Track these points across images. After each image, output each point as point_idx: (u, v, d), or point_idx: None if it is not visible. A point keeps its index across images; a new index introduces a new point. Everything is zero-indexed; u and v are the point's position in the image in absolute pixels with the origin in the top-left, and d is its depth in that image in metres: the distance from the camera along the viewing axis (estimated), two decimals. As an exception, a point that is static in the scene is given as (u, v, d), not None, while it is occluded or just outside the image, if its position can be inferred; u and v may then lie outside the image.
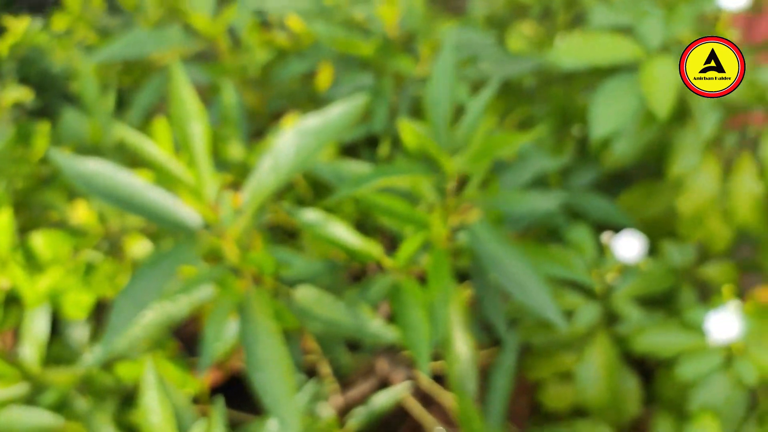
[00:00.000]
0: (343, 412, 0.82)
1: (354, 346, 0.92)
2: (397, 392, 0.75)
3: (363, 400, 0.80)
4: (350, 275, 0.92)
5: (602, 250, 0.76)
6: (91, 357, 0.63)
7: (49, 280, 0.67)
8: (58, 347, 0.71)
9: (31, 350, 0.67)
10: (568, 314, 0.78)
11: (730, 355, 0.70)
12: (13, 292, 0.69)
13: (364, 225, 0.79)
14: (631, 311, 0.75)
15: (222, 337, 0.64)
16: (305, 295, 0.62)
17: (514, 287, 0.58)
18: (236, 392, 0.80)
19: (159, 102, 0.98)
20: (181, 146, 0.55)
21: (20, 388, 0.66)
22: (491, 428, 0.67)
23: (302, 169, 0.55)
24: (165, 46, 0.86)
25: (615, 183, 0.93)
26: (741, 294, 0.81)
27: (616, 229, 0.75)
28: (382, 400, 0.74)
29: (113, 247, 0.69)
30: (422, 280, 0.66)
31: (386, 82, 0.76)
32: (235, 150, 0.72)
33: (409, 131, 0.61)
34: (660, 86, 0.65)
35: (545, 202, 0.65)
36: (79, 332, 0.73)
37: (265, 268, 0.59)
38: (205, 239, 0.56)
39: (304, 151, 0.54)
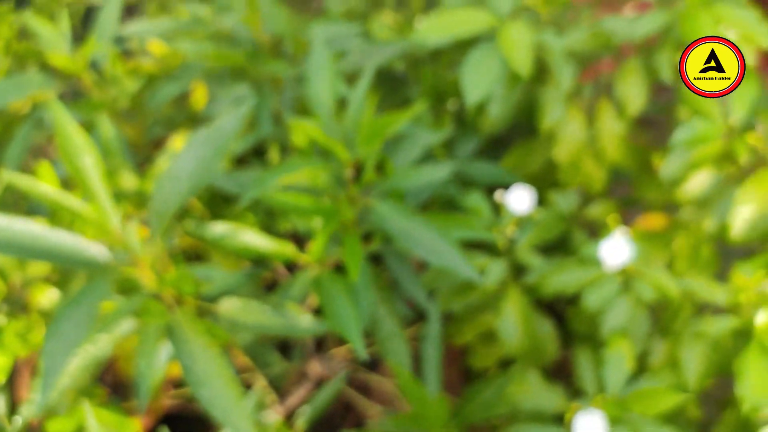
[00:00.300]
0: (286, 420, 0.82)
1: (284, 352, 0.92)
2: (335, 385, 0.76)
3: (303, 405, 0.81)
4: (263, 285, 0.93)
5: (498, 209, 0.81)
6: (25, 413, 0.60)
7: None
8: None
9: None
10: (480, 275, 0.83)
11: (627, 279, 0.77)
12: None
13: (270, 232, 0.79)
14: (534, 260, 0.80)
15: (155, 367, 0.63)
16: (230, 306, 0.63)
17: (428, 254, 0.61)
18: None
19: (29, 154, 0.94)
20: (75, 182, 0.54)
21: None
22: (430, 395, 0.70)
23: (203, 180, 0.55)
24: (26, 91, 0.83)
25: (497, 147, 0.99)
26: (625, 226, 0.89)
27: (506, 188, 0.81)
28: (323, 395, 0.76)
29: (17, 304, 0.66)
30: (340, 269, 0.68)
31: (264, 87, 0.78)
32: (127, 180, 0.71)
33: (299, 128, 0.63)
34: (517, 49, 0.70)
35: (437, 173, 0.68)
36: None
37: (185, 288, 0.59)
38: (118, 271, 0.55)
39: (202, 161, 0.54)
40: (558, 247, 0.88)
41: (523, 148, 0.93)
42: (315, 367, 0.91)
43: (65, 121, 0.53)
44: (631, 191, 0.99)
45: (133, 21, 0.91)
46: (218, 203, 0.89)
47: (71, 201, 0.53)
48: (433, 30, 0.72)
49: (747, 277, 0.71)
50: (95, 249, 0.55)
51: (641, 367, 0.81)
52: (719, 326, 0.72)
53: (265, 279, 0.91)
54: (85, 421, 0.65)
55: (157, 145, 0.98)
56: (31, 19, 0.84)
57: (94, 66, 0.89)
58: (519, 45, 0.70)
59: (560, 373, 0.95)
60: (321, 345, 0.97)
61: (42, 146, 1.00)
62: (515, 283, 0.83)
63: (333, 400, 0.78)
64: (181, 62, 0.89)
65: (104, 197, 0.54)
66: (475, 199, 0.82)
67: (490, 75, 0.72)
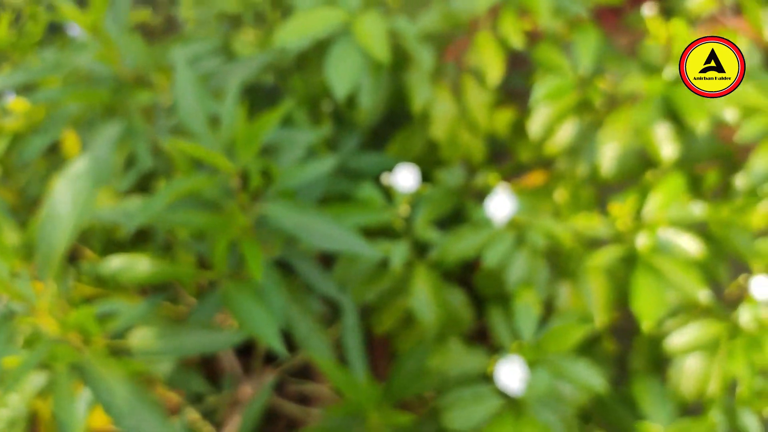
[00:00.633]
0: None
1: (215, 383, 0.91)
2: (263, 396, 0.76)
3: None
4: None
5: (389, 194, 0.84)
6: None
7: None
8: None
9: None
10: (384, 263, 0.86)
11: (519, 234, 0.81)
12: None
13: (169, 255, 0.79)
14: (432, 235, 0.84)
15: (76, 415, 0.61)
16: (142, 336, 0.62)
17: (326, 242, 0.63)
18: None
19: None
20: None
21: None
22: (360, 381, 0.72)
23: (85, 214, 0.55)
24: None
25: (382, 137, 1.02)
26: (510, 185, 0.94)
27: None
28: (252, 408, 0.76)
29: None
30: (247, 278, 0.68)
31: (135, 121, 0.77)
32: (10, 236, 0.69)
33: (177, 147, 0.63)
34: (373, 38, 0.74)
35: (322, 167, 0.71)
36: None
37: (89, 328, 0.58)
38: (15, 323, 0.54)
39: (81, 195, 0.54)
40: (454, 220, 0.92)
41: (404, 133, 0.97)
42: (246, 391, 0.91)
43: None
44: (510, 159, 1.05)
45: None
46: (114, 245, 0.88)
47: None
48: (291, 34, 0.74)
49: (620, 207, 0.77)
50: (-14, 305, 0.54)
51: (551, 312, 0.86)
52: (607, 257, 0.77)
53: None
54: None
55: (37, 203, 0.95)
56: None
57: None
58: (374, 34, 0.74)
59: (484, 338, 0.99)
60: (249, 368, 0.97)
61: None
62: (421, 262, 0.86)
63: (264, 414, 0.78)
64: (45, 114, 0.87)
65: (-15, 250, 0.53)
66: (366, 189, 0.84)
67: (353, 67, 0.75)
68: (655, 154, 0.82)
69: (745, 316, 0.79)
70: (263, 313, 0.63)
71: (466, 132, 0.93)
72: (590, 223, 0.79)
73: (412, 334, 0.93)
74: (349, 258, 0.84)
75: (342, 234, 0.64)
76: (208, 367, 1.05)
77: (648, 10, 0.81)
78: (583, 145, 0.88)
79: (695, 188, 0.95)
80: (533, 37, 0.94)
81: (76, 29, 0.98)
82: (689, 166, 0.96)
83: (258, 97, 0.96)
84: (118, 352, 0.63)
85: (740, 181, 0.85)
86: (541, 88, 0.83)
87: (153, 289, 0.91)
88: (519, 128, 0.96)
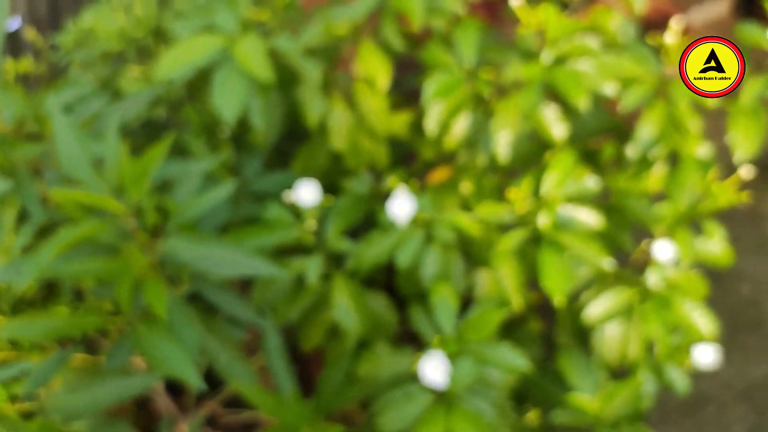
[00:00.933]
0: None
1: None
2: (195, 429, 0.75)
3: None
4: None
5: (297, 212, 0.84)
6: None
7: None
8: None
9: None
10: (301, 280, 0.86)
11: (428, 231, 0.83)
12: None
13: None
14: (344, 245, 0.84)
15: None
16: (56, 393, 0.60)
17: (229, 268, 0.63)
18: None
19: None
20: None
21: None
22: (287, 401, 0.72)
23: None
24: None
25: (286, 156, 1.02)
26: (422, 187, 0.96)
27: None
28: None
29: None
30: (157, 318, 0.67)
31: (21, 175, 0.75)
32: None
33: (62, 195, 0.62)
34: (254, 59, 0.74)
35: (220, 193, 0.70)
36: None
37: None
38: None
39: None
40: (368, 226, 0.93)
41: (307, 148, 0.97)
42: (182, 429, 0.89)
43: None
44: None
45: None
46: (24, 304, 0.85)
47: None
48: (171, 65, 0.74)
49: (517, 191, 0.80)
50: None
51: (472, 302, 0.87)
52: (514, 240, 0.79)
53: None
54: None
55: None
56: None
57: None
58: (254, 56, 0.74)
59: (415, 339, 1.00)
60: (184, 406, 0.95)
61: None
62: (338, 273, 0.87)
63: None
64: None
65: None
66: (273, 209, 0.84)
67: (238, 91, 0.75)
68: (547, 136, 0.85)
69: (652, 278, 0.83)
70: (176, 351, 0.62)
71: (366, 139, 0.94)
72: (494, 211, 0.82)
73: (341, 345, 0.93)
74: (265, 280, 0.84)
75: (244, 258, 0.63)
76: (145, 409, 1.03)
77: (515, 1, 0.84)
78: (479, 136, 0.90)
79: (593, 162, 0.99)
80: (423, 37, 0.96)
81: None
82: (583, 142, 1.00)
83: (152, 133, 0.95)
84: (32, 414, 0.61)
85: (631, 150, 0.89)
86: (431, 86, 0.85)
87: (73, 342, 0.89)
88: (418, 128, 0.98)
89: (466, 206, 0.91)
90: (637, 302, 0.84)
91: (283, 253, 0.86)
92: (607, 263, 0.78)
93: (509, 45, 0.89)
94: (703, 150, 0.88)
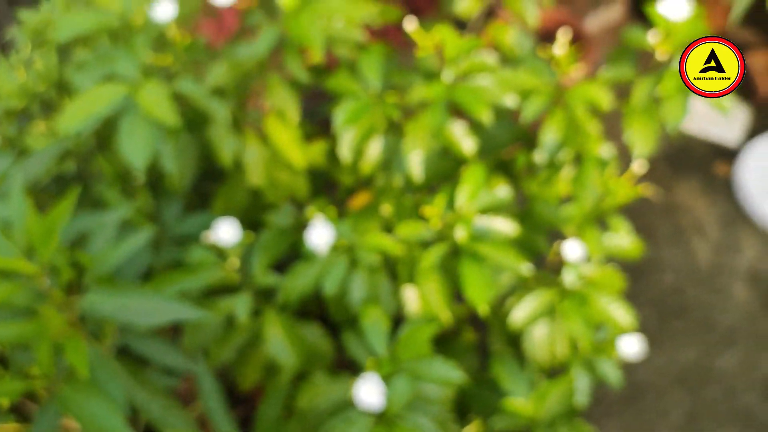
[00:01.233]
0: None
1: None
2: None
3: None
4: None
5: (219, 251, 0.84)
6: None
7: None
8: None
9: None
10: (231, 319, 0.86)
11: (352, 256, 0.84)
12: None
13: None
14: (270, 279, 0.85)
15: None
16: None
17: (150, 316, 0.62)
18: None
19: None
20: None
21: None
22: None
23: None
24: None
25: (207, 195, 1.02)
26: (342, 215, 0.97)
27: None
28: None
29: None
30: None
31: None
32: None
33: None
34: (158, 105, 0.74)
35: (136, 242, 0.70)
36: None
37: None
38: None
39: None
40: (297, 258, 0.94)
41: (225, 187, 0.97)
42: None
43: None
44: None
45: None
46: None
47: None
48: (74, 117, 0.73)
49: (430, 208, 0.82)
50: None
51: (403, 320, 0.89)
52: (435, 256, 0.81)
53: None
54: None
55: None
56: None
57: None
58: (158, 102, 0.74)
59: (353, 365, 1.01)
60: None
61: None
62: (269, 308, 0.87)
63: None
64: None
65: None
66: (195, 253, 0.84)
67: (145, 137, 0.75)
68: (458, 151, 0.88)
69: (568, 278, 0.87)
70: (103, 407, 0.61)
71: (283, 172, 0.95)
72: (413, 229, 0.83)
73: (279, 379, 0.93)
74: (195, 324, 0.83)
75: (165, 304, 0.63)
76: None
77: (409, 25, 0.87)
78: (393, 158, 0.92)
79: (508, 172, 1.03)
80: (334, 66, 0.98)
81: None
82: (496, 154, 1.04)
83: (65, 188, 0.93)
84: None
85: (538, 156, 0.93)
86: (341, 114, 0.87)
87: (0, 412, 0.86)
88: (334, 156, 1.00)
89: (389, 228, 0.93)
90: (558, 302, 0.87)
91: (212, 293, 0.86)
92: (526, 268, 0.81)
93: (413, 67, 0.92)
94: (604, 150, 0.93)
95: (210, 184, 1.04)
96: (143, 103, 0.74)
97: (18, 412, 0.83)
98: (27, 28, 0.91)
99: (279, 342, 0.84)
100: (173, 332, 0.93)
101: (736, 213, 1.71)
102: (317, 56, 0.79)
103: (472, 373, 0.97)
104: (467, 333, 1.02)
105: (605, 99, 0.87)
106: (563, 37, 0.87)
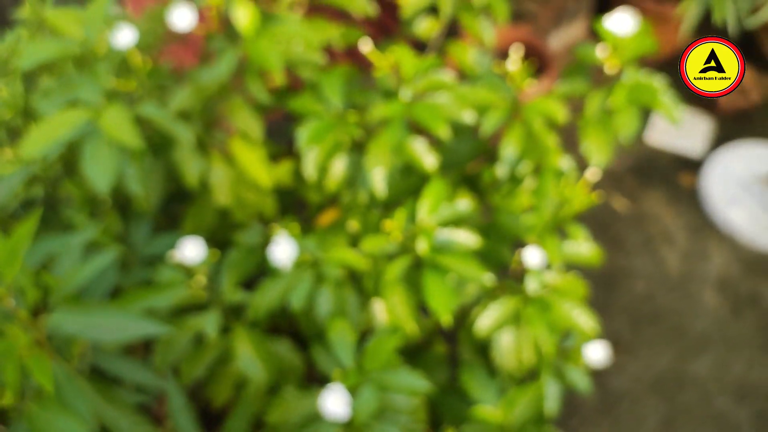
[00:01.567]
0: None
1: None
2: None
3: None
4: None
5: (188, 270, 0.85)
6: None
7: None
8: None
9: None
10: (200, 337, 0.87)
11: (318, 271, 0.86)
12: None
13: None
14: (239, 295, 0.86)
15: None
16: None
17: (115, 334, 0.63)
18: None
19: None
20: None
21: None
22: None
23: None
24: None
25: (176, 216, 1.03)
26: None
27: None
28: None
29: None
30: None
31: None
32: None
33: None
34: (121, 128, 0.76)
35: (102, 262, 0.71)
36: None
37: None
38: None
39: None
40: (264, 275, 0.95)
41: (194, 208, 0.99)
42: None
43: None
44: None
45: None
46: None
47: None
48: (36, 143, 0.75)
49: (391, 222, 0.84)
50: None
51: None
52: (398, 269, 0.83)
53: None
54: None
55: None
56: None
57: None
58: (121, 125, 0.76)
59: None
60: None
61: None
62: (239, 324, 0.88)
63: None
64: None
65: None
66: (164, 272, 0.85)
67: (109, 161, 0.76)
68: (420, 167, 0.91)
69: (531, 285, 0.89)
70: (69, 424, 0.62)
71: (250, 191, 0.97)
72: (377, 243, 0.85)
73: (247, 394, 0.94)
74: (165, 341, 0.84)
75: (130, 322, 0.64)
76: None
77: (365, 47, 0.89)
78: (357, 175, 0.94)
79: (473, 186, 1.05)
80: (299, 87, 1.00)
81: None
82: (461, 168, 1.06)
83: (32, 212, 0.94)
84: None
85: (499, 170, 0.95)
86: (304, 134, 0.89)
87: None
88: (300, 175, 1.02)
89: (356, 243, 0.94)
90: (522, 309, 0.89)
91: (183, 312, 0.87)
92: (488, 278, 0.83)
93: (373, 87, 0.95)
94: (564, 162, 0.96)
95: (179, 205, 1.05)
96: (106, 127, 0.76)
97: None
98: (-7, 57, 0.93)
99: (249, 358, 0.86)
100: (145, 351, 0.93)
101: (702, 222, 1.75)
102: (278, 79, 0.81)
103: (444, 383, 0.99)
104: (438, 345, 1.04)
105: (561, 112, 0.90)
106: (515, 53, 0.90)
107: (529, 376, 0.95)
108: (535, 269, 0.87)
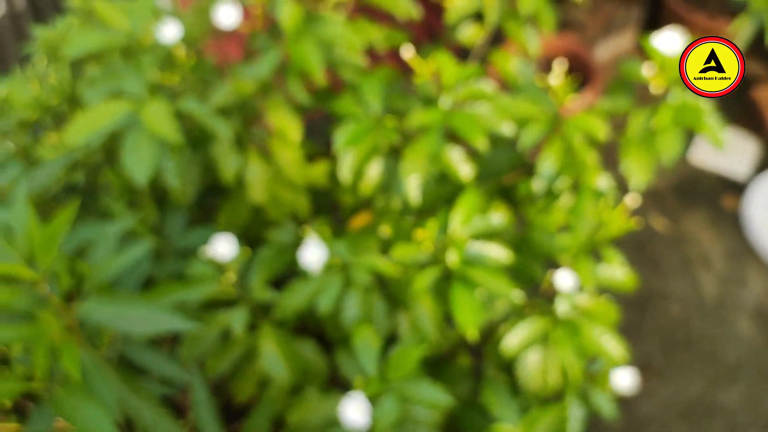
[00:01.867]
0: None
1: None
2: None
3: None
4: None
5: (219, 267, 0.86)
6: None
7: None
8: None
9: None
10: (227, 333, 0.87)
11: (347, 275, 0.85)
12: None
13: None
14: (267, 294, 0.86)
15: None
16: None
17: (144, 326, 0.64)
18: None
19: None
20: None
21: None
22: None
23: None
24: None
25: (211, 210, 1.04)
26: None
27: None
28: None
29: None
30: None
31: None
32: None
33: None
34: (161, 122, 0.77)
35: (137, 252, 0.72)
36: None
37: None
38: None
39: None
40: (294, 275, 0.95)
41: (229, 203, 1.00)
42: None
43: None
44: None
45: None
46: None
47: None
48: (80, 131, 0.76)
49: (423, 231, 0.83)
50: None
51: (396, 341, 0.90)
52: (428, 279, 0.83)
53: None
54: None
55: None
56: None
57: None
58: (162, 119, 0.77)
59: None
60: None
61: None
62: (266, 323, 0.88)
63: None
64: None
65: None
66: (196, 265, 0.86)
67: (149, 153, 0.77)
68: (455, 176, 0.90)
69: (561, 307, 0.87)
70: (94, 411, 0.62)
71: (286, 190, 0.97)
72: (408, 251, 0.85)
73: (270, 393, 0.94)
74: (192, 335, 0.85)
75: (159, 315, 0.65)
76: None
77: (406, 53, 0.89)
78: (392, 181, 0.94)
79: (509, 198, 1.04)
80: (340, 88, 1.00)
81: None
82: (497, 180, 1.05)
83: (73, 198, 0.96)
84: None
85: (536, 184, 0.94)
86: (341, 136, 0.89)
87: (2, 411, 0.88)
88: (335, 176, 1.02)
89: (387, 249, 0.94)
90: (551, 330, 0.88)
91: (212, 307, 0.87)
92: (517, 295, 0.82)
93: (413, 93, 0.94)
94: (602, 181, 0.94)
95: (215, 200, 1.06)
96: (147, 121, 0.77)
97: (20, 412, 0.85)
98: (42, 43, 0.95)
99: (273, 357, 0.86)
100: (173, 343, 0.94)
101: (743, 247, 1.71)
102: (318, 80, 0.81)
103: (465, 397, 0.98)
104: (462, 357, 1.03)
105: (602, 130, 0.89)
106: (559, 67, 0.89)
107: (553, 397, 0.94)
108: (566, 291, 0.86)
